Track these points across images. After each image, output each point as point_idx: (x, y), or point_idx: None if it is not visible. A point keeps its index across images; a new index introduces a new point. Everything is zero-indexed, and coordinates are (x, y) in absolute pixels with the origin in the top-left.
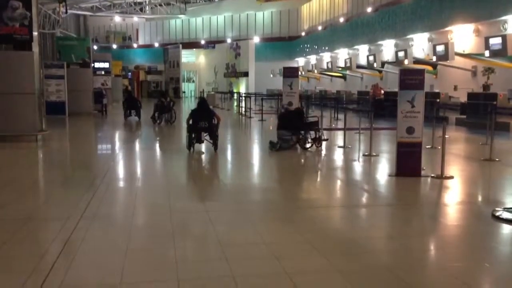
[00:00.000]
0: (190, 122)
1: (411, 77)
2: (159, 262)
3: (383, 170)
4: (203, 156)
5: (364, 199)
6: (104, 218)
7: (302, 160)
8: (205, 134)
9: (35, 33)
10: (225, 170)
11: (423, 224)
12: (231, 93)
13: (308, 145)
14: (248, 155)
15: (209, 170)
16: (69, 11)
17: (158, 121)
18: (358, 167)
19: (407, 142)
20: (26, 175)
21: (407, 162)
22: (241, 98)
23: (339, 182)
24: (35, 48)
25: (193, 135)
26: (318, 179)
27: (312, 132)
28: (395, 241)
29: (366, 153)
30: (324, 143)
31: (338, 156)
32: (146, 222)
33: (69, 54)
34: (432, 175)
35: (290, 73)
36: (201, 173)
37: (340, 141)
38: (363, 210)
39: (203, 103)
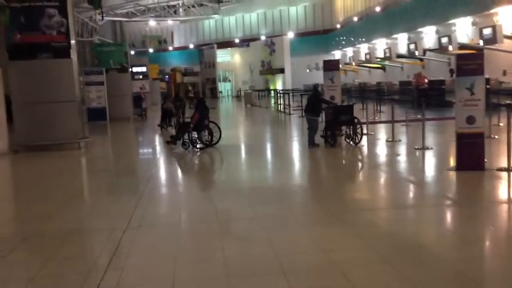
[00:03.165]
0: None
1: (469, 62)
2: (209, 270)
3: (441, 164)
4: (242, 154)
5: (425, 198)
6: (150, 227)
7: (350, 156)
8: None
9: (72, 41)
10: (270, 170)
11: (501, 225)
12: (268, 90)
13: (357, 140)
14: (292, 153)
15: (250, 169)
16: (106, 18)
17: (165, 127)
18: (412, 162)
19: (468, 133)
20: (70, 183)
21: (469, 155)
22: (278, 95)
23: (394, 180)
24: (73, 55)
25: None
26: (370, 177)
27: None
28: (473, 246)
29: (418, 147)
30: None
31: (388, 151)
32: (193, 229)
33: (107, 60)
34: (497, 168)
35: (331, 66)
36: (242, 173)
37: (387, 134)
38: (427, 211)
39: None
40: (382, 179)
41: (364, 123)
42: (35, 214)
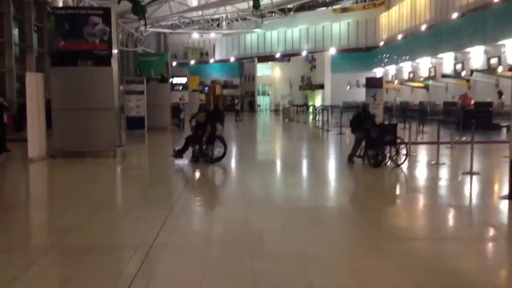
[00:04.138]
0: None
1: None
2: None
3: (493, 191)
4: (277, 171)
5: (476, 229)
6: (177, 247)
7: (392, 178)
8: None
9: (114, 50)
10: (306, 189)
11: None
12: (306, 106)
13: (400, 161)
14: (330, 172)
15: (285, 187)
16: (150, 29)
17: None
18: (459, 188)
19: None
20: (102, 192)
21: None
22: (317, 111)
23: (440, 207)
24: (114, 63)
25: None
26: (414, 202)
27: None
28: None
29: (466, 171)
30: (408, 159)
31: (433, 174)
32: (223, 251)
33: (148, 70)
34: None
35: (374, 83)
36: (277, 191)
37: (430, 156)
38: (478, 244)
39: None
40: (427, 206)
41: (407, 143)
42: (63, 224)
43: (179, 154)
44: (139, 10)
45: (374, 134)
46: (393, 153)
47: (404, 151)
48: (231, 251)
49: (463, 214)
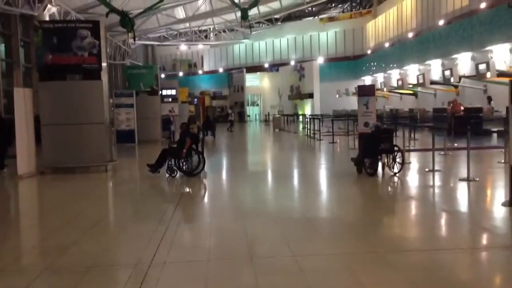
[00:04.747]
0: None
1: None
2: None
3: (493, 198)
4: (272, 181)
5: (483, 238)
6: (177, 264)
7: (391, 187)
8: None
9: (103, 63)
10: (304, 199)
11: None
12: (296, 115)
13: (396, 169)
14: (326, 181)
15: (282, 199)
16: (138, 42)
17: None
18: (459, 195)
19: None
20: (95, 209)
21: None
22: (307, 120)
23: (442, 216)
24: (104, 77)
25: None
26: (415, 211)
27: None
28: None
29: (463, 178)
30: (405, 166)
31: (430, 182)
32: (223, 266)
33: (137, 83)
34: None
35: (366, 92)
36: (274, 202)
37: (424, 163)
38: (489, 254)
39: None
40: (429, 214)
41: (403, 151)
42: (56, 244)
43: (155, 168)
44: (127, 23)
45: (367, 143)
46: (390, 161)
47: (402, 159)
48: (233, 266)
49: (466, 222)
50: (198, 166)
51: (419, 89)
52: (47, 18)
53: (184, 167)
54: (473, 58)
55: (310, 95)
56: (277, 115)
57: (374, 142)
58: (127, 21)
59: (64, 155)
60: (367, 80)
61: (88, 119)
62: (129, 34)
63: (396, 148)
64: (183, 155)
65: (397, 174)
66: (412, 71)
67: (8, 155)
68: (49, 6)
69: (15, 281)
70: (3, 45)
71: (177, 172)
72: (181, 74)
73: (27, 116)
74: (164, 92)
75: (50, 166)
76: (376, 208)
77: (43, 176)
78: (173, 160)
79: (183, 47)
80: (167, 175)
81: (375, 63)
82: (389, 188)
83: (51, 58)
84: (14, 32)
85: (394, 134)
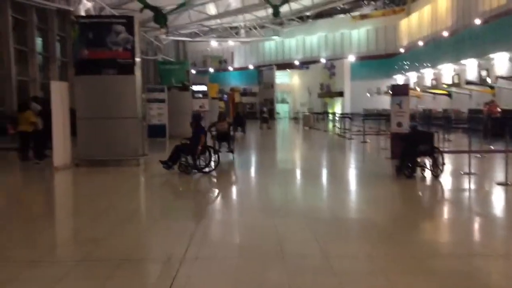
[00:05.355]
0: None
1: None
2: None
3: None
4: (303, 180)
5: None
6: (208, 260)
7: (428, 190)
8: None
9: (137, 58)
10: (338, 200)
11: None
12: (326, 113)
13: (438, 172)
14: (361, 182)
15: (314, 198)
16: (170, 38)
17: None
18: (496, 199)
19: None
20: (126, 202)
21: None
22: (337, 118)
23: (482, 220)
24: (137, 72)
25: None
26: (454, 215)
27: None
28: None
29: (500, 182)
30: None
31: (468, 185)
32: (255, 264)
33: (169, 78)
34: None
35: (399, 91)
36: (306, 201)
37: (460, 166)
38: None
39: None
40: (465, 219)
41: (443, 152)
42: (89, 236)
43: (169, 165)
44: (161, 19)
45: (407, 145)
46: (429, 163)
47: (442, 161)
48: (264, 264)
49: (504, 227)
50: (209, 163)
51: (453, 89)
52: (82, 13)
53: (199, 164)
54: (511, 59)
55: (341, 94)
56: (307, 113)
57: (412, 143)
58: (160, 17)
59: (98, 148)
60: (399, 79)
61: (121, 113)
62: (162, 29)
63: (436, 150)
64: (198, 152)
65: (437, 177)
66: (447, 71)
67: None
68: (84, 1)
69: (51, 272)
70: (40, 39)
71: (189, 169)
72: (211, 70)
73: (64, 109)
74: (195, 88)
75: (84, 159)
76: (412, 211)
77: (77, 169)
78: (188, 157)
79: (213, 43)
80: (178, 172)
81: (408, 62)
82: (425, 191)
83: (87, 52)
84: (51, 26)
85: (434, 136)
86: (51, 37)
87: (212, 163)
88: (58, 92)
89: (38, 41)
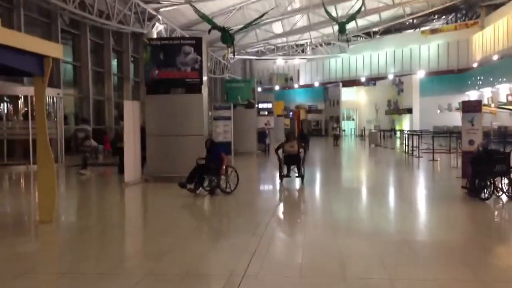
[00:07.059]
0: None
1: None
2: None
3: None
4: (369, 199)
5: None
6: (268, 278)
7: (500, 213)
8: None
9: (204, 77)
10: (404, 220)
11: None
12: (394, 130)
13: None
14: (428, 203)
15: (379, 218)
16: (237, 56)
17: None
18: None
19: None
20: (190, 217)
21: None
22: (405, 136)
23: None
24: (204, 90)
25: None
26: None
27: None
28: None
29: None
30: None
31: None
32: (316, 285)
33: (235, 96)
34: None
35: (471, 107)
36: (371, 221)
37: None
38: None
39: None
40: None
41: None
42: (155, 250)
43: (187, 184)
44: (228, 39)
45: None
46: (505, 184)
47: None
48: (326, 285)
49: None
50: (227, 184)
51: None
52: (155, 35)
53: (222, 185)
54: None
55: (409, 110)
56: (373, 130)
57: (486, 163)
58: (227, 36)
59: (166, 165)
60: (472, 95)
61: (188, 130)
62: (229, 49)
63: None
64: (222, 172)
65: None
66: None
67: (116, 163)
68: (157, 24)
69: (118, 285)
70: (116, 60)
71: (215, 190)
72: (277, 87)
73: (135, 127)
74: (261, 105)
75: (153, 175)
76: (484, 234)
77: (146, 184)
78: (213, 178)
79: (279, 61)
80: (196, 191)
81: (481, 77)
82: (500, 214)
83: (157, 73)
84: (125, 48)
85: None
86: (126, 58)
87: (232, 184)
88: (130, 110)
89: (114, 63)
